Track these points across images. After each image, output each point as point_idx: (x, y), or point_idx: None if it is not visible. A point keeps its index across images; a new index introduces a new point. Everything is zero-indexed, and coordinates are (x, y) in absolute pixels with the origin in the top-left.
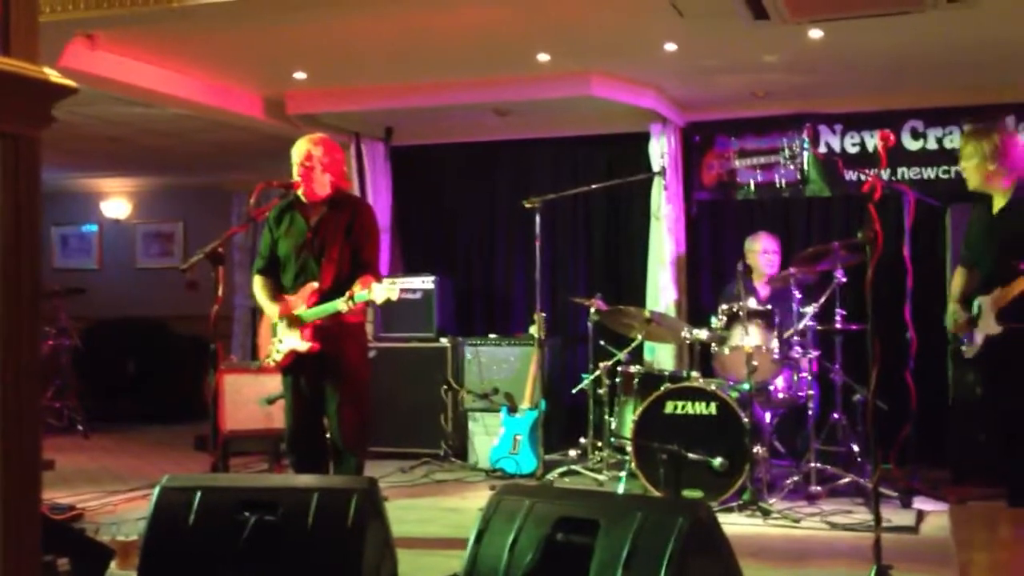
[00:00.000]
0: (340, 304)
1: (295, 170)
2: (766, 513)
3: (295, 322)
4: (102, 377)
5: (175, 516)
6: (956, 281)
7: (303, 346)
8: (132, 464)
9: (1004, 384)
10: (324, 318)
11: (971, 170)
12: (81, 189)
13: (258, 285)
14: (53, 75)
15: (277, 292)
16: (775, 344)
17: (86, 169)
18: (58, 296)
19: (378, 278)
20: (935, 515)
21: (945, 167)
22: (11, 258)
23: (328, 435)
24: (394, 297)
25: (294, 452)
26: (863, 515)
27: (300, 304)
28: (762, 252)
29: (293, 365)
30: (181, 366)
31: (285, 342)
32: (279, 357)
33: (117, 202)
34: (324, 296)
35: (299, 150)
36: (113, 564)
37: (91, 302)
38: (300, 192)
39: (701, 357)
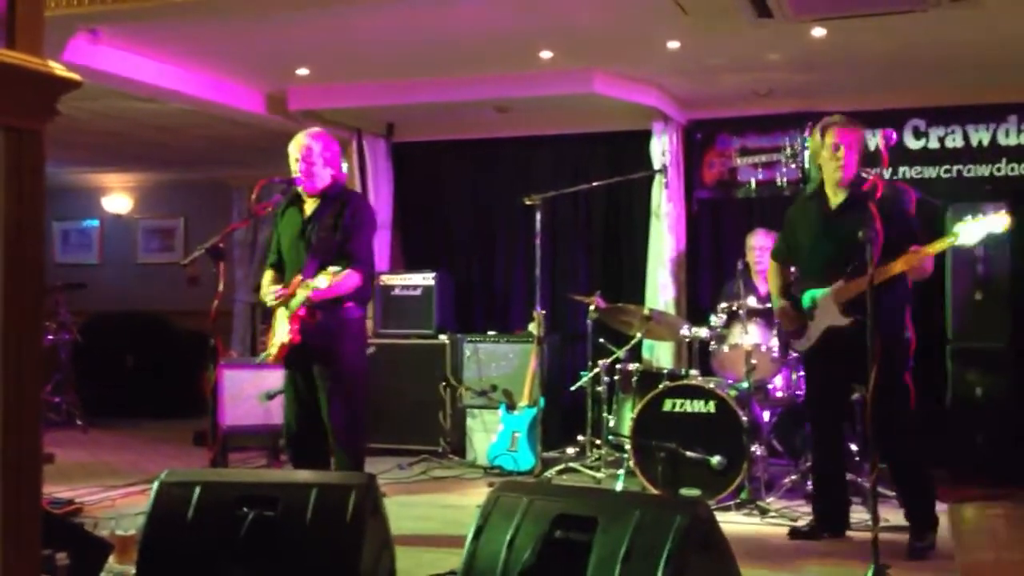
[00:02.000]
0: (300, 295)
1: (294, 166)
2: (764, 512)
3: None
4: (101, 372)
5: (174, 511)
6: (774, 276)
7: (286, 337)
8: (131, 459)
9: (850, 371)
10: (319, 311)
11: (825, 164)
12: (82, 184)
13: (265, 278)
14: (58, 68)
15: (280, 283)
16: (774, 343)
17: (87, 164)
18: (59, 291)
19: (360, 269)
20: None
21: (947, 166)
22: (15, 251)
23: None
24: (329, 280)
25: (291, 447)
26: (861, 514)
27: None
28: (755, 248)
29: (289, 360)
30: (181, 361)
31: (277, 335)
32: (274, 351)
33: (118, 197)
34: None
35: (298, 145)
36: (111, 558)
37: (91, 297)
38: (300, 188)
39: (700, 355)
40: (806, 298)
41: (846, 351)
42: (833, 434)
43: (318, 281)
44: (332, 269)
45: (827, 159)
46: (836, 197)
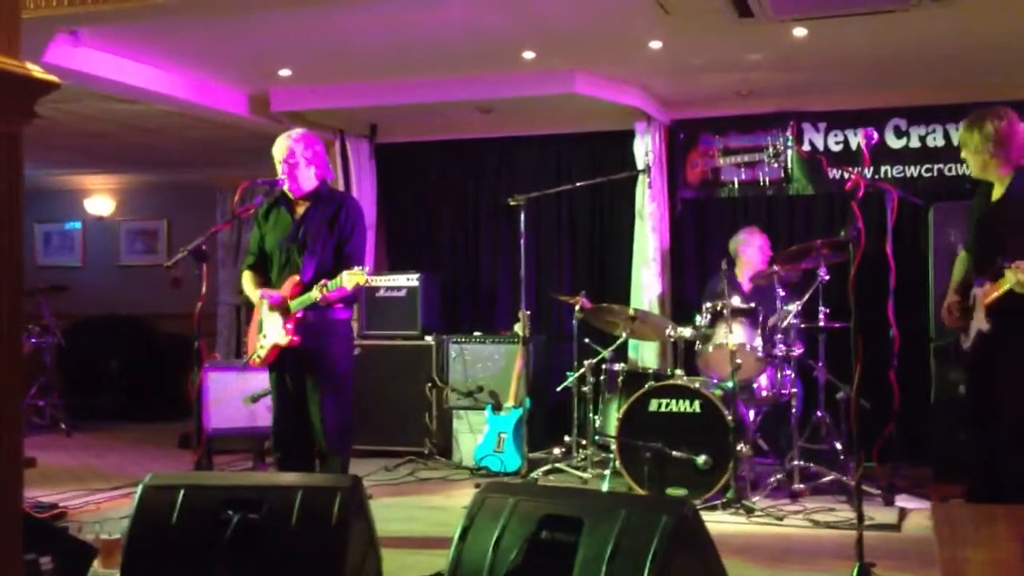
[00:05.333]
0: (314, 292)
1: (279, 168)
2: (750, 511)
3: (284, 311)
4: (85, 375)
5: (158, 514)
6: (958, 267)
7: (284, 339)
8: (115, 462)
9: (987, 385)
10: (308, 312)
11: (970, 157)
12: (64, 186)
13: (246, 279)
14: (35, 71)
15: (264, 286)
16: (759, 342)
17: (69, 166)
18: (41, 293)
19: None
20: (917, 513)
21: (928, 165)
22: None
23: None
24: (362, 281)
25: (279, 450)
26: (846, 513)
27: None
28: (755, 246)
29: (278, 362)
30: (165, 364)
31: (268, 337)
32: (263, 353)
33: (100, 199)
34: (306, 288)
35: (280, 148)
36: (96, 563)
37: (74, 300)
38: (286, 188)
39: (685, 355)
40: (971, 295)
41: (987, 358)
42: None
43: (344, 280)
44: (358, 269)
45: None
46: (999, 188)
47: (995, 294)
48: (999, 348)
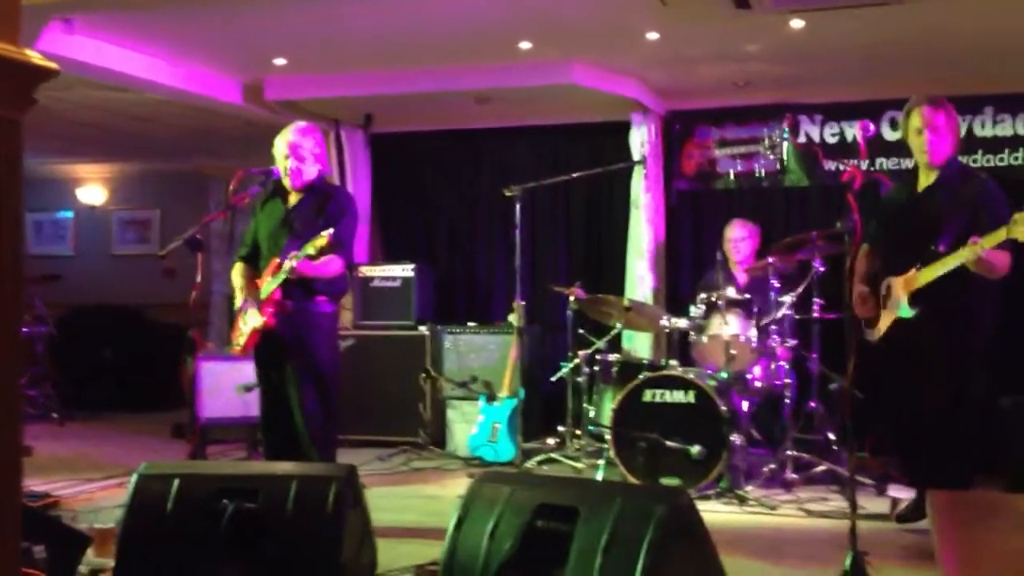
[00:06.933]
0: (287, 264)
1: (284, 162)
2: (743, 500)
3: (257, 299)
4: (78, 364)
5: (153, 504)
6: (861, 260)
7: (259, 321)
8: (109, 452)
9: (915, 370)
10: (289, 300)
11: (910, 141)
12: (56, 175)
13: (236, 271)
14: (35, 57)
15: (252, 277)
16: (753, 333)
17: (61, 155)
18: (33, 283)
19: (343, 257)
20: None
21: None
22: None
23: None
24: (323, 243)
25: (266, 438)
26: (839, 502)
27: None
28: (730, 240)
29: (261, 351)
30: (158, 353)
31: (248, 323)
32: (243, 340)
33: (92, 188)
34: None
35: (288, 140)
36: (90, 551)
37: (66, 289)
38: (286, 181)
39: (679, 346)
40: (884, 286)
41: (910, 346)
42: (916, 427)
43: (306, 249)
44: (323, 233)
45: (913, 141)
46: (926, 179)
47: (940, 271)
48: (930, 329)
